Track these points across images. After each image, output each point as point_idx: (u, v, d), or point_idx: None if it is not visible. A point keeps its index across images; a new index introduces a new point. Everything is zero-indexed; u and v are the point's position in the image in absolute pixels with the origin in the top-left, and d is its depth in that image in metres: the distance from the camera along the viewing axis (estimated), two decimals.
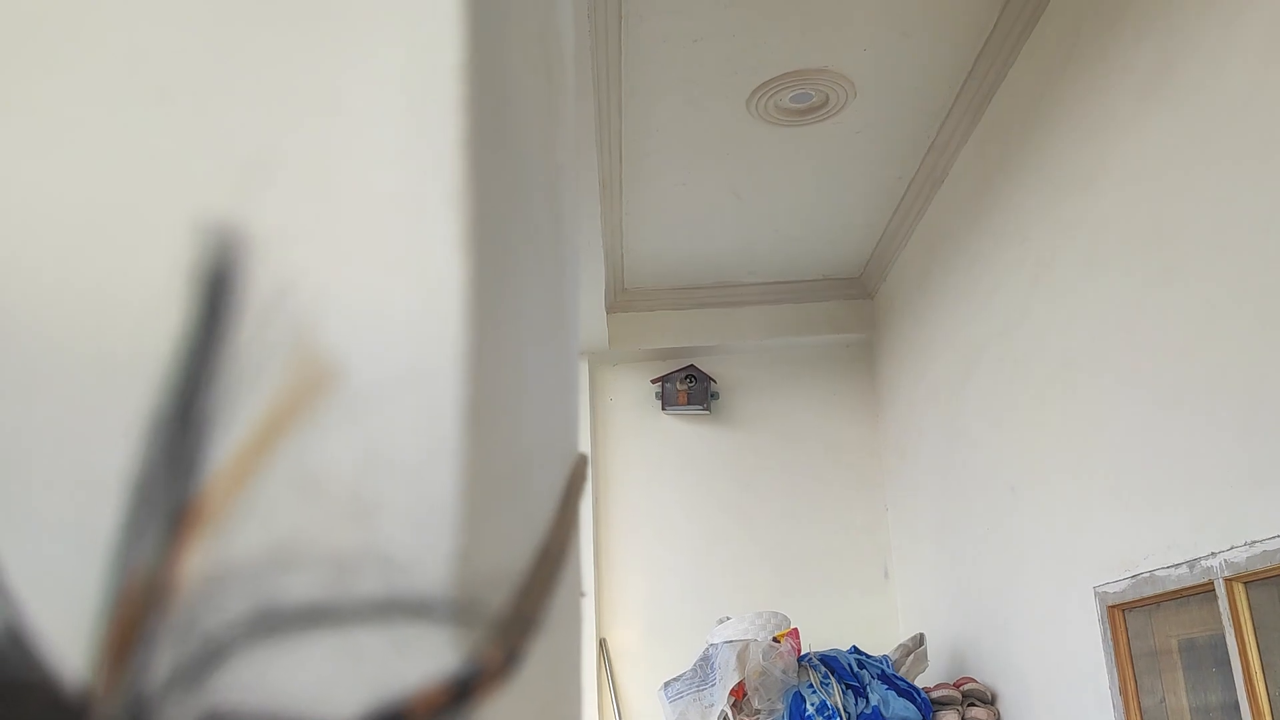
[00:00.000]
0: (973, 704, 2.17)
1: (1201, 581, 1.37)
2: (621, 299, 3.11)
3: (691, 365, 3.12)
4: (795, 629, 2.33)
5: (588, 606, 2.89)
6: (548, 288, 0.54)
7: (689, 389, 3.08)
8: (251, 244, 0.24)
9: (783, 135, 2.34)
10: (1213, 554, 1.35)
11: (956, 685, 2.22)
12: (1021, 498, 2.03)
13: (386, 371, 0.24)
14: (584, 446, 2.98)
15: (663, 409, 3.09)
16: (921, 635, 2.38)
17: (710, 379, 3.11)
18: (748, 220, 2.71)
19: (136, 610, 0.22)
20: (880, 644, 2.69)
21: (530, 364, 0.39)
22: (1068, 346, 1.82)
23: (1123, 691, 1.57)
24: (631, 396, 3.18)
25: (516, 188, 0.39)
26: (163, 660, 0.22)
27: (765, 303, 3.08)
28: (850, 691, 2.11)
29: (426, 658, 0.22)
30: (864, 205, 2.65)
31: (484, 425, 0.27)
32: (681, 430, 3.13)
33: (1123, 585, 1.58)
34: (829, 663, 2.22)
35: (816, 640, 2.63)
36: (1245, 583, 1.31)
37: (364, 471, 0.23)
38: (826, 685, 2.13)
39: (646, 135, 2.34)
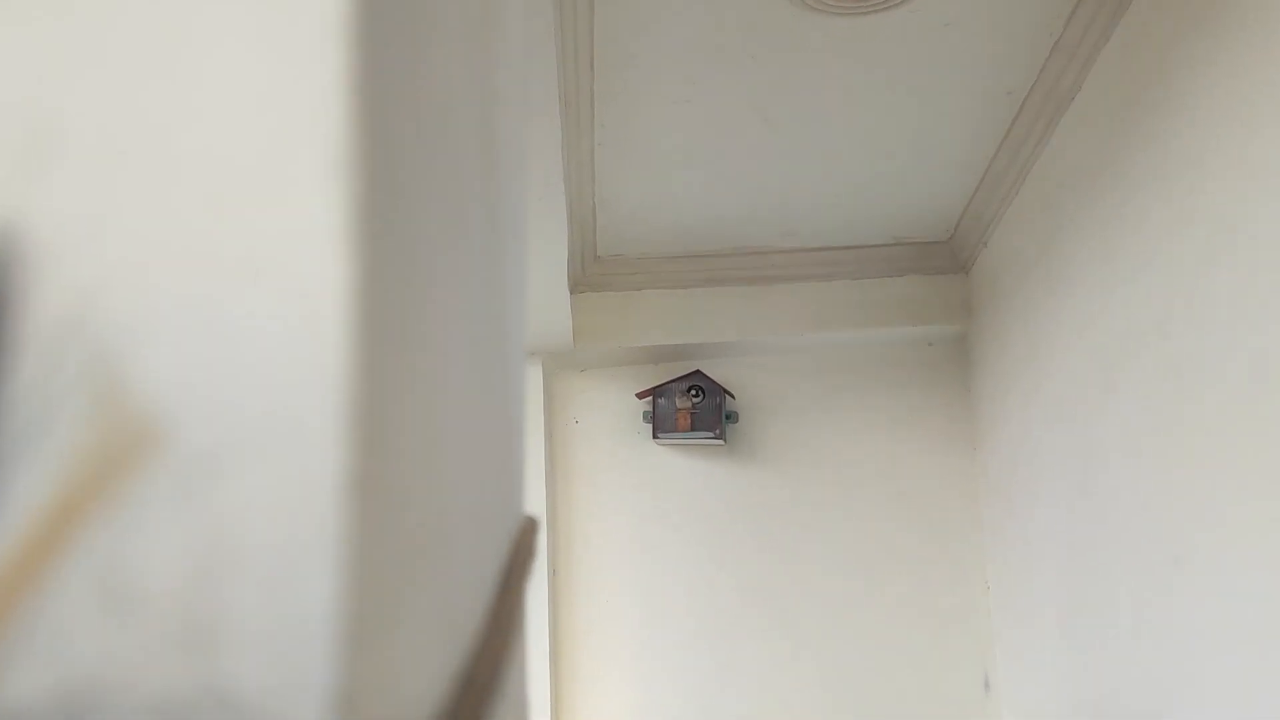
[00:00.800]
0: None
1: None
2: (593, 273, 3.11)
3: (697, 372, 3.13)
4: None
5: None
6: (479, 272, 0.54)
7: (693, 407, 3.10)
8: (34, 243, 0.23)
9: (835, 30, 2.35)
10: None
11: None
12: (1190, 572, 2.04)
13: (234, 427, 0.25)
14: (533, 501, 2.97)
15: (654, 436, 3.10)
16: None
17: (725, 392, 3.12)
18: (782, 157, 2.71)
19: None
20: None
21: (452, 392, 0.39)
22: (1262, 347, 1.83)
23: None
24: (607, 418, 3.18)
25: (432, 135, 0.39)
26: None
27: (809, 279, 3.10)
28: None
29: None
30: (956, 135, 2.66)
31: (379, 498, 0.27)
32: (682, 469, 3.14)
33: None
34: None
35: None
36: None
37: (200, 575, 0.24)
38: None
39: (632, 30, 2.34)
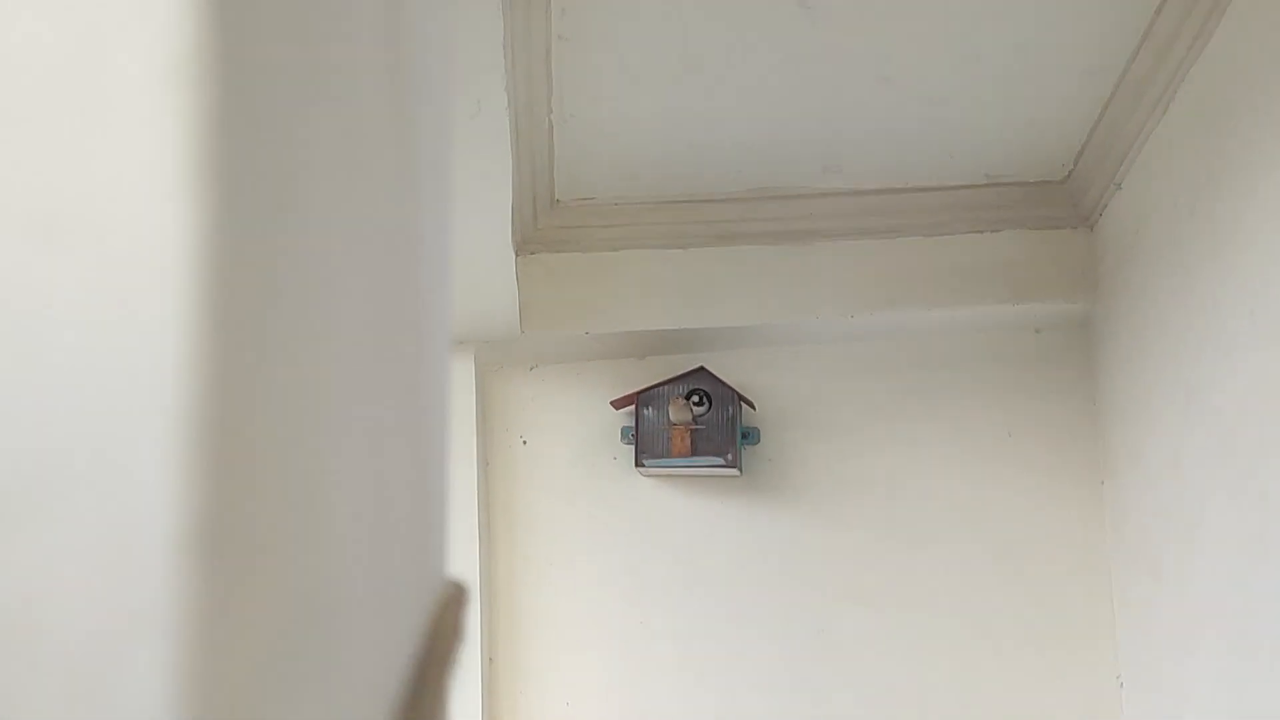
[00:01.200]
0: None
1: None
2: (549, 226, 3.10)
3: (701, 370, 3.12)
4: None
5: None
6: (383, 226, 0.54)
7: (695, 421, 3.08)
8: None
9: None
10: None
11: None
12: None
13: (23, 456, 0.25)
14: (461, 559, 2.96)
15: (637, 464, 3.09)
16: None
17: (741, 400, 3.11)
18: (825, 57, 2.70)
19: None
20: None
21: (342, 402, 0.39)
22: None
23: None
24: (569, 437, 3.17)
25: (311, 29, 0.39)
26: None
27: (862, 236, 3.09)
28: None
29: None
30: (1077, 27, 2.64)
31: (234, 559, 0.27)
32: (678, 513, 3.13)
33: None
34: None
35: None
36: None
37: None
38: None
39: None
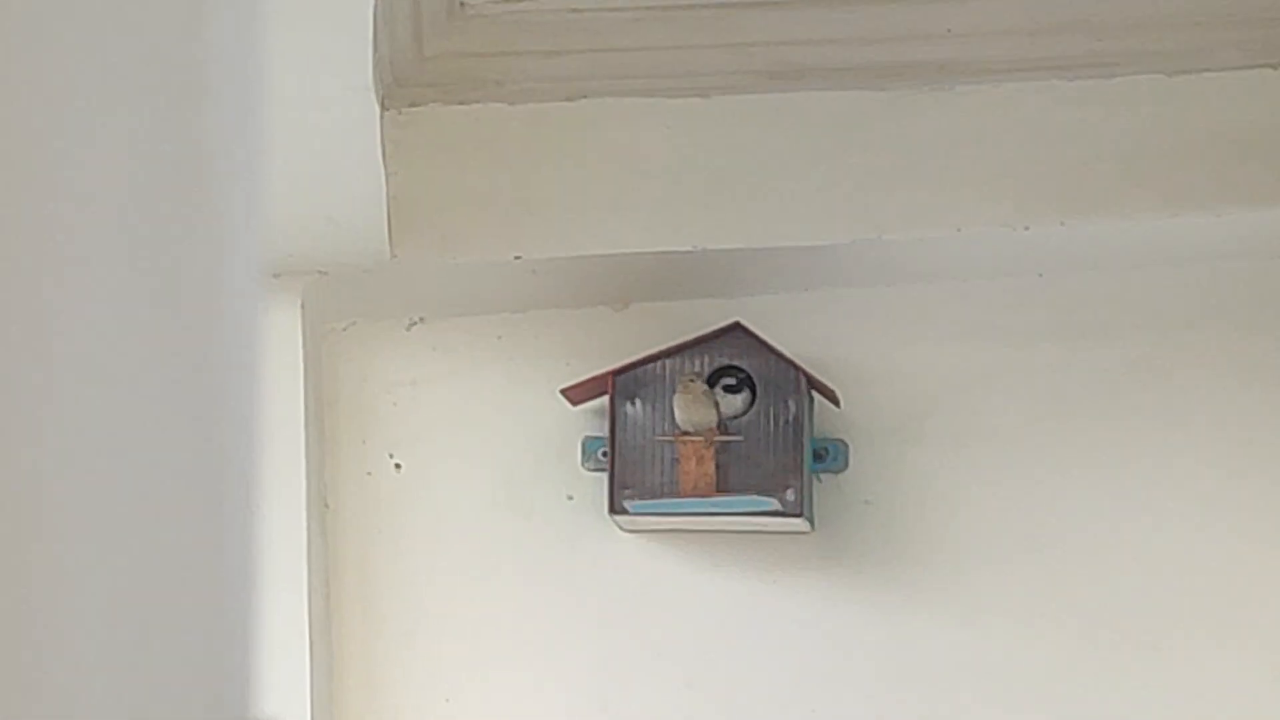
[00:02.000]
0: None
1: None
2: (444, 52, 3.17)
3: (736, 328, 3.15)
4: None
5: None
6: (150, 54, 0.57)
7: (722, 427, 3.12)
8: None
9: None
10: None
11: None
12: None
13: None
14: (281, 679, 3.01)
15: (613, 510, 3.15)
16: None
17: (811, 384, 3.12)
18: None
19: None
20: None
21: (82, 407, 0.42)
22: None
23: None
24: (485, 452, 3.21)
25: None
26: None
27: (1036, 74, 3.16)
28: None
29: None
30: None
31: None
32: (693, 597, 3.18)
33: None
34: None
35: None
36: None
37: None
38: None
39: None
